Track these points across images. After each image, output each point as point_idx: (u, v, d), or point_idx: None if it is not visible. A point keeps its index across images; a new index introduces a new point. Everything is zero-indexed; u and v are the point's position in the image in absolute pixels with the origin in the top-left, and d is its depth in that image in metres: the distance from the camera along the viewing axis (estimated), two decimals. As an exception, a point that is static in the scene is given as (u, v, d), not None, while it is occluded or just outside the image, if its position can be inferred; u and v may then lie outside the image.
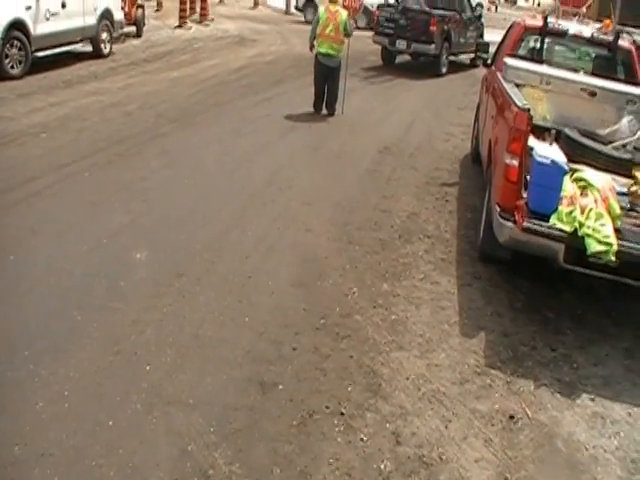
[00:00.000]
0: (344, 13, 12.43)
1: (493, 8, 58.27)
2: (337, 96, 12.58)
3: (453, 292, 6.18)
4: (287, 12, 35.03)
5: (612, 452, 4.40)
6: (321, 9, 12.74)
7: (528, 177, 5.96)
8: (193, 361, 4.76)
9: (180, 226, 6.95)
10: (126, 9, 19.21)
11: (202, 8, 26.16)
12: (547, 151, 5.98)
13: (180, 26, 23.78)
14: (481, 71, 11.00)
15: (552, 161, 5.77)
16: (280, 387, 4.57)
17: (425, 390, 4.72)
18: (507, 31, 10.13)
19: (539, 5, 64.21)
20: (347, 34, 12.31)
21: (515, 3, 77.00)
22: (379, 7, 19.72)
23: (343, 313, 5.58)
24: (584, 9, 17.38)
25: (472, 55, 20.74)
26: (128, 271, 5.93)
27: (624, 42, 9.03)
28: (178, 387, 4.46)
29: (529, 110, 5.99)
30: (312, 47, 12.66)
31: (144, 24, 21.51)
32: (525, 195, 5.91)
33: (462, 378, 4.92)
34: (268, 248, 6.66)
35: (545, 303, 6.19)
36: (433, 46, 18.73)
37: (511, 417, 4.57)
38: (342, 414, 4.39)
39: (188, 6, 24.86)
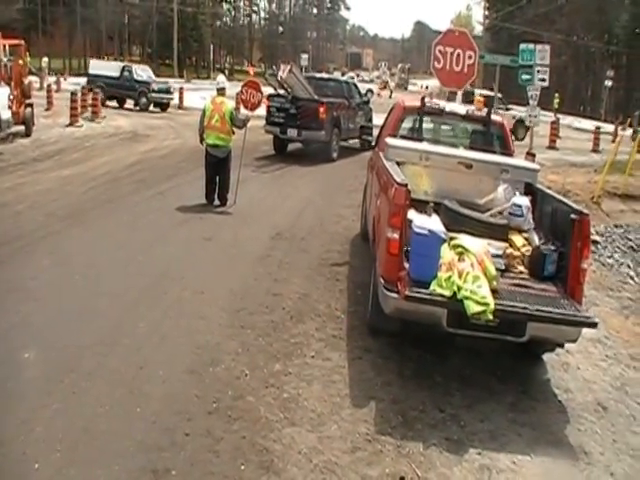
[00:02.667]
0: (229, 104, 12.75)
1: (388, 93, 61.95)
2: (229, 186, 12.70)
3: (344, 366, 6.30)
4: (180, 107, 35.56)
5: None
6: (207, 101, 13.03)
7: (410, 249, 6.20)
8: (84, 455, 4.69)
9: (71, 323, 6.88)
10: (14, 108, 19.00)
11: (93, 105, 26.27)
12: (425, 222, 6.26)
13: (71, 124, 23.78)
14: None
15: (429, 231, 6.06)
16: (173, 472, 4.55)
17: (317, 462, 4.79)
18: (389, 113, 10.52)
19: (427, 88, 67.01)
20: (235, 125, 12.51)
21: (406, 89, 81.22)
22: (269, 97, 20.05)
23: (235, 396, 5.60)
24: (468, 87, 18.40)
25: (362, 139, 21.38)
26: (17, 371, 5.80)
27: (497, 117, 9.54)
28: (67, 482, 4.39)
29: (407, 185, 6.27)
30: (202, 139, 12.75)
31: (33, 123, 21.25)
32: (407, 266, 6.14)
33: (353, 447, 5.01)
34: (160, 338, 6.64)
35: (434, 368, 6.38)
36: (323, 133, 19.29)
37: (402, 478, 4.68)
38: (234, 493, 4.40)
39: (79, 104, 24.91)
